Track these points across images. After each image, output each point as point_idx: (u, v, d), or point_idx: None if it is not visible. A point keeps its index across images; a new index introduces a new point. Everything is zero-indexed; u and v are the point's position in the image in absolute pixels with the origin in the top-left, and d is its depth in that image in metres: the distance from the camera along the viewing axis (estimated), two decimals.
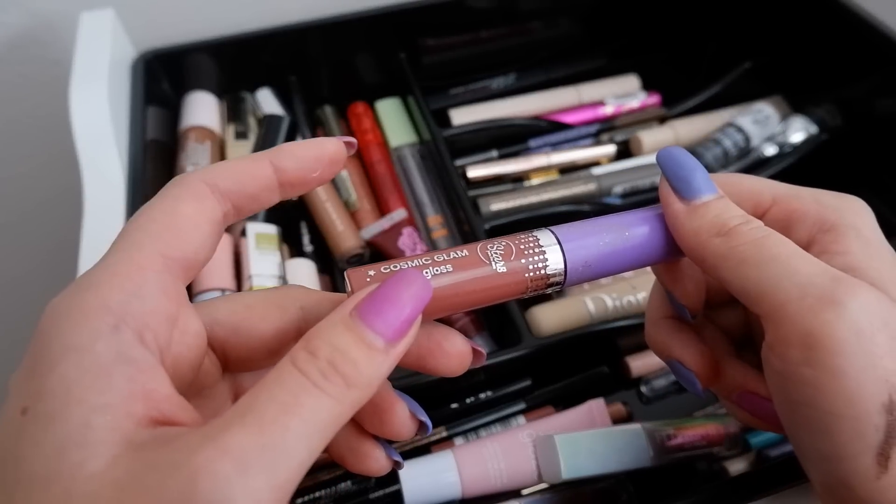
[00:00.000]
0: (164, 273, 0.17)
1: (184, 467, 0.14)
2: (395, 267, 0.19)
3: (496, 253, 0.20)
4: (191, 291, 0.40)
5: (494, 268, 0.20)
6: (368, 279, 0.19)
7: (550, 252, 0.21)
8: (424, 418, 0.21)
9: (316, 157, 0.20)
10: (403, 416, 0.20)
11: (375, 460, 0.21)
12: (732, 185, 0.23)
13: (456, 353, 0.20)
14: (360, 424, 0.21)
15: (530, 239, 0.21)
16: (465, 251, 0.20)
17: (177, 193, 0.19)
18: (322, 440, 0.16)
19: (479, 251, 0.20)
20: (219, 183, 0.19)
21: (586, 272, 0.21)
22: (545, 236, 0.21)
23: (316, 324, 0.21)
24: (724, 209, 0.21)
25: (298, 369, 0.16)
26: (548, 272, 0.21)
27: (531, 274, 0.20)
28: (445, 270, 0.19)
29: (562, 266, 0.21)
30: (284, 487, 0.15)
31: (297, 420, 0.15)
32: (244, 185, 0.20)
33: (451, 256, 0.20)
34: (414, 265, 0.19)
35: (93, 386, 0.15)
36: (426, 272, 0.19)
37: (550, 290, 0.21)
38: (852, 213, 0.21)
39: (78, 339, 0.16)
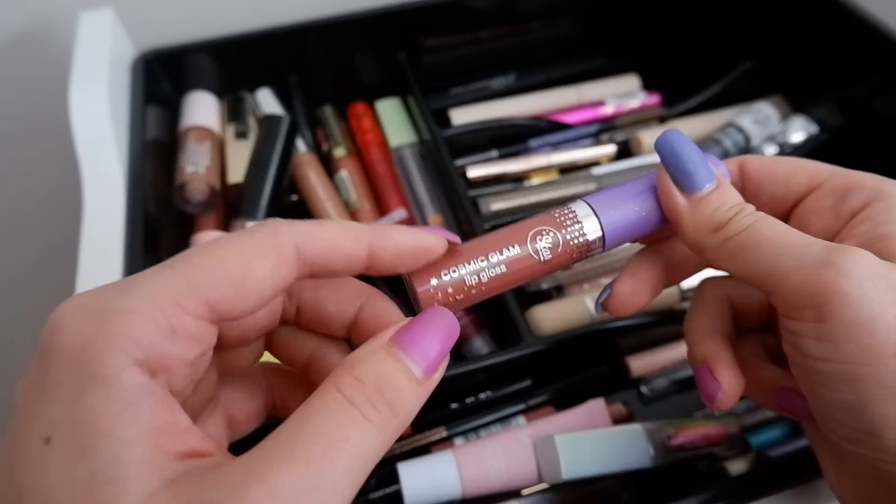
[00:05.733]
0: (202, 320, 0.16)
1: None
2: (455, 272, 0.21)
3: (544, 248, 0.22)
4: None
5: (541, 258, 0.21)
6: (431, 290, 0.20)
7: (588, 225, 0.22)
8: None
9: (414, 252, 0.20)
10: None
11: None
12: (788, 161, 0.24)
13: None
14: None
15: (570, 214, 0.22)
16: (517, 248, 0.21)
17: (262, 247, 0.17)
18: (364, 474, 0.16)
19: (529, 248, 0.22)
20: (309, 251, 0.18)
21: (622, 234, 0.23)
22: (581, 209, 0.22)
23: (297, 295, 0.21)
24: (721, 201, 0.22)
25: (345, 396, 0.16)
26: (588, 243, 0.22)
27: (572, 246, 0.22)
28: (500, 272, 0.21)
29: (600, 235, 0.22)
30: None
31: (343, 456, 0.15)
32: (331, 262, 0.18)
33: (506, 256, 0.21)
34: (471, 269, 0.21)
35: (120, 418, 0.15)
36: (482, 276, 0.21)
37: (591, 254, 0.23)
38: None
39: (104, 367, 0.15)
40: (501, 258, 0.21)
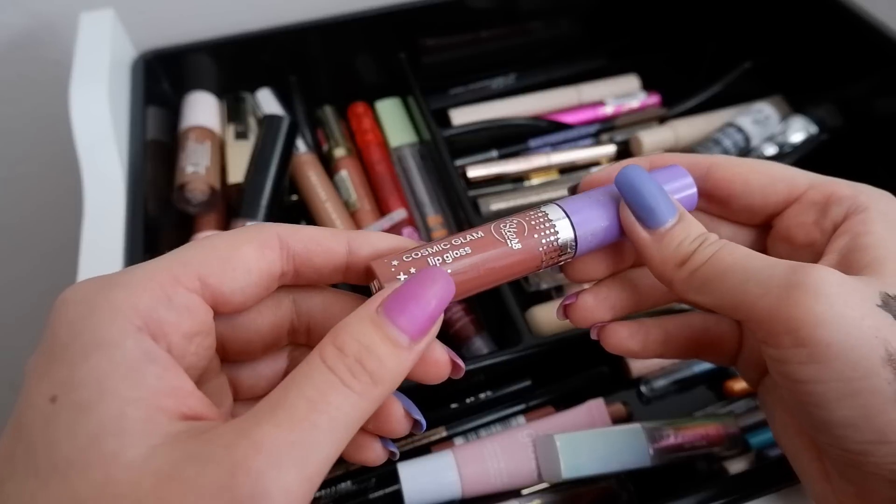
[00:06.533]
0: (194, 294, 0.18)
1: (221, 461, 0.15)
2: (417, 255, 0.20)
3: (510, 231, 0.21)
4: None
5: (510, 245, 0.21)
6: (392, 269, 0.20)
7: (560, 226, 0.22)
8: (419, 417, 0.21)
9: (390, 251, 0.21)
10: (399, 414, 0.21)
11: (373, 450, 0.21)
12: (765, 171, 0.24)
13: (433, 361, 0.20)
14: None
15: (539, 215, 0.22)
16: (480, 232, 0.21)
17: (249, 235, 0.19)
18: (348, 435, 0.17)
19: (493, 231, 0.21)
20: (291, 242, 0.20)
21: (594, 242, 0.22)
22: (553, 211, 0.22)
23: (307, 317, 0.22)
24: (685, 234, 0.22)
25: (327, 366, 0.17)
26: (559, 244, 0.22)
27: (544, 248, 0.21)
28: (465, 253, 0.20)
29: (572, 237, 0.22)
30: (313, 479, 0.16)
31: (324, 417, 0.16)
32: (313, 255, 0.20)
33: (469, 239, 0.21)
34: (434, 250, 0.20)
35: (126, 380, 0.16)
36: (447, 256, 0.20)
37: (563, 260, 0.22)
38: (885, 202, 0.23)
39: (108, 333, 0.16)
40: (465, 241, 0.21)
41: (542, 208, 0.22)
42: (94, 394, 0.15)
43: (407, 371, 0.18)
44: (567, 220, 0.22)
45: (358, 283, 0.21)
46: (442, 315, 0.19)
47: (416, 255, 0.20)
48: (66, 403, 0.15)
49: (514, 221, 0.22)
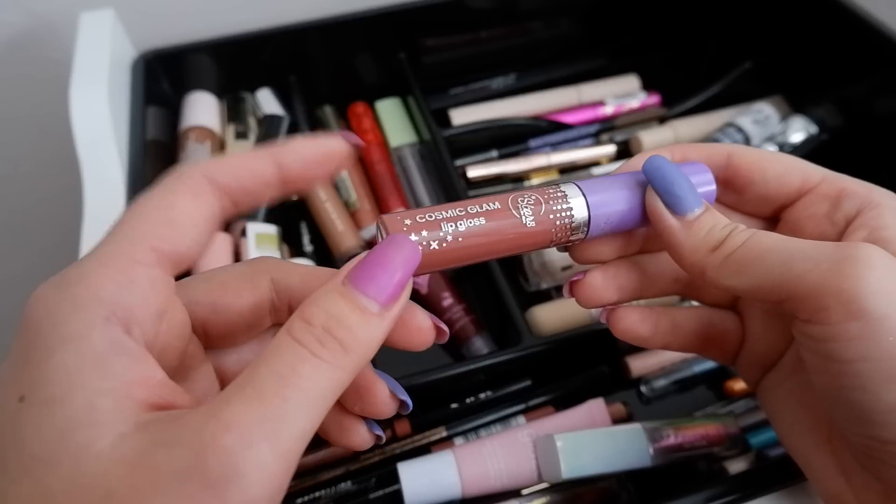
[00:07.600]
0: (154, 267, 0.17)
1: (190, 444, 0.14)
2: (431, 217, 0.20)
3: (526, 207, 0.21)
4: None
5: (524, 222, 0.21)
6: (405, 227, 0.19)
7: (576, 205, 0.22)
8: (404, 397, 0.21)
9: (319, 158, 0.20)
10: (384, 395, 0.21)
11: (358, 434, 0.21)
12: (780, 160, 0.24)
13: (416, 328, 0.20)
14: (342, 403, 0.21)
15: (558, 193, 0.22)
16: (496, 203, 0.21)
17: (175, 187, 0.18)
18: (324, 406, 0.16)
19: (510, 205, 0.21)
20: (218, 178, 0.19)
21: (607, 227, 0.22)
22: (571, 189, 0.22)
23: (287, 294, 0.21)
24: (714, 221, 0.22)
25: (294, 339, 0.16)
26: (573, 225, 0.22)
27: (557, 227, 0.21)
28: (478, 223, 0.20)
29: (586, 218, 0.22)
30: (290, 454, 0.15)
31: (295, 390, 0.16)
32: (243, 182, 0.19)
33: (484, 209, 0.20)
34: (448, 215, 0.20)
35: (94, 372, 0.15)
36: (460, 224, 0.20)
37: (573, 241, 0.22)
38: (894, 200, 0.23)
39: (73, 328, 0.16)
40: (480, 210, 0.20)
41: (562, 186, 0.22)
42: (63, 388, 0.15)
43: (381, 338, 0.18)
44: (583, 199, 0.22)
45: (300, 195, 0.20)
46: (411, 281, 0.18)
47: (430, 216, 0.20)
48: (34, 401, 0.15)
49: (533, 197, 0.21)
